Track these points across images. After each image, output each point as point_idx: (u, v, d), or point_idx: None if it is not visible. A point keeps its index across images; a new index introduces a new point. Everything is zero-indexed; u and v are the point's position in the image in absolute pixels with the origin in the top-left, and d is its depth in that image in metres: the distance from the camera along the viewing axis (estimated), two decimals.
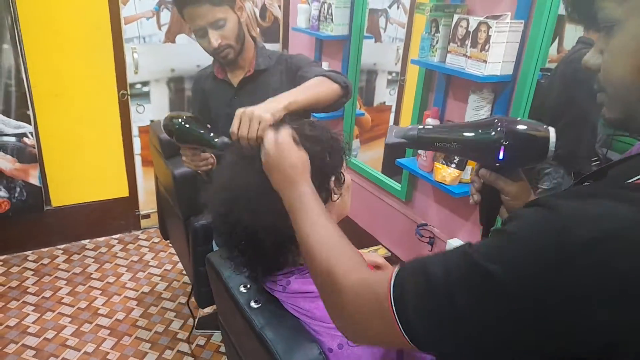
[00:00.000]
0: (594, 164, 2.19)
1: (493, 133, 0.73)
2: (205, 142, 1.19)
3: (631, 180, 0.48)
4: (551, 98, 2.13)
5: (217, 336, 2.18)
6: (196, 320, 2.19)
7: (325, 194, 0.92)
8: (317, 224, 0.73)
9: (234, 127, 0.95)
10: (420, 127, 0.80)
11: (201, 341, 2.14)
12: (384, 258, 1.31)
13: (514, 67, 1.57)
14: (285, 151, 0.82)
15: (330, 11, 2.28)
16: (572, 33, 2.25)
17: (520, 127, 0.74)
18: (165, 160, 1.84)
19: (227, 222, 0.91)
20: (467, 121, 0.78)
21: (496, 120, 0.74)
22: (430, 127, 0.81)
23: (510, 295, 0.44)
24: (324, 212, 0.76)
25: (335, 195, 0.95)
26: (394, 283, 0.54)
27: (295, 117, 1.03)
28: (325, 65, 2.46)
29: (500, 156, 0.73)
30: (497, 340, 0.47)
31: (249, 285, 1.03)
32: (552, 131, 0.72)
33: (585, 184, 0.61)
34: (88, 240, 2.84)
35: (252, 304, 0.98)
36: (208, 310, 2.24)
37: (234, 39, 1.40)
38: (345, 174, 0.98)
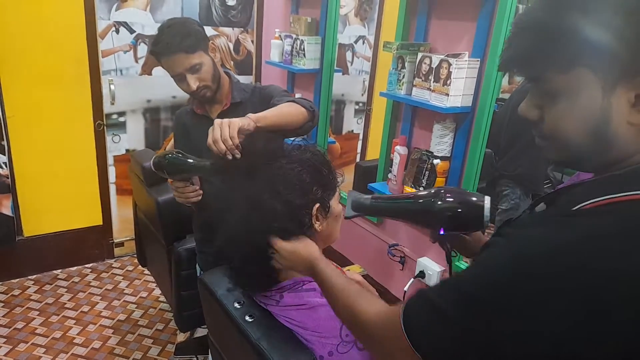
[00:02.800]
0: (546, 186, 2.39)
1: (432, 216, 0.83)
2: (199, 167, 1.30)
3: (576, 208, 0.57)
4: (506, 125, 2.33)
5: None
6: (175, 346, 2.22)
7: (306, 218, 1.00)
8: (337, 285, 0.87)
9: (209, 137, 1.12)
10: (373, 199, 0.93)
11: None
12: (362, 276, 1.42)
13: (473, 99, 1.74)
14: (291, 254, 0.95)
15: (302, 47, 2.43)
16: None
17: (457, 205, 0.82)
18: (148, 188, 1.91)
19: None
20: (413, 194, 0.90)
21: (437, 198, 0.83)
22: (380, 200, 0.93)
23: (476, 312, 0.57)
24: (338, 275, 0.89)
25: (317, 223, 1.02)
26: (404, 311, 0.66)
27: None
28: (297, 97, 2.60)
29: (441, 232, 0.86)
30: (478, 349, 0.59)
31: (242, 302, 1.11)
32: (486, 202, 0.80)
33: (540, 205, 0.72)
34: (60, 270, 2.81)
35: (247, 318, 1.06)
36: (181, 338, 2.27)
37: (210, 80, 1.50)
38: (336, 204, 1.08)
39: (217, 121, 1.14)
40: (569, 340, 0.52)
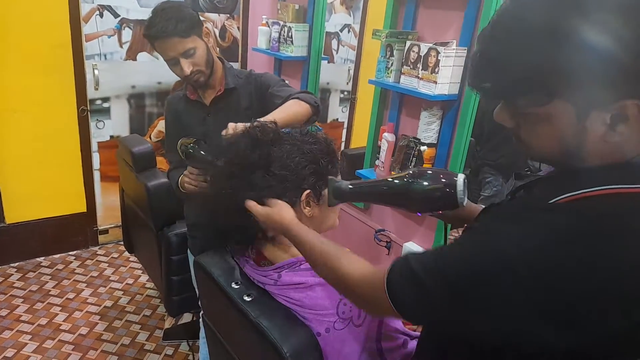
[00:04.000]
0: (525, 171, 2.47)
1: (407, 199, 0.85)
2: (203, 163, 1.36)
3: (553, 201, 0.61)
4: (488, 114, 2.39)
5: (184, 346, 2.22)
6: (163, 331, 2.23)
7: (295, 201, 1.03)
8: (314, 248, 0.91)
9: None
10: (351, 186, 0.94)
11: (169, 351, 2.18)
12: None
13: (460, 87, 1.79)
14: (268, 219, 0.99)
15: (290, 34, 2.43)
16: None
17: (430, 185, 0.83)
18: (137, 173, 1.90)
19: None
20: (390, 178, 0.89)
21: (412, 179, 0.85)
22: (358, 187, 0.94)
23: (459, 294, 0.63)
24: (316, 236, 0.93)
25: (307, 209, 1.05)
26: (388, 275, 0.72)
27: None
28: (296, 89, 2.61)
29: (419, 214, 0.89)
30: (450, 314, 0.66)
31: (240, 282, 1.14)
32: (459, 184, 0.81)
33: (520, 192, 0.76)
34: (43, 258, 2.78)
35: (246, 298, 1.08)
36: (167, 324, 2.28)
37: (204, 65, 1.50)
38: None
39: (230, 125, 1.17)
40: (535, 335, 0.58)
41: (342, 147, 3.44)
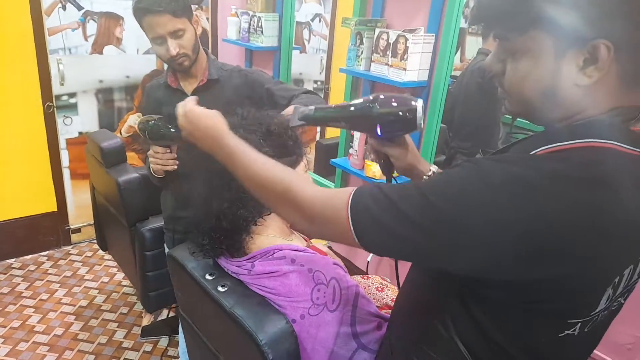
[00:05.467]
0: None
1: (370, 114, 0.87)
2: (177, 136, 1.32)
3: (533, 152, 0.63)
4: (461, 104, 2.43)
5: (163, 341, 2.20)
6: (141, 328, 2.21)
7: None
8: (257, 159, 0.82)
9: None
10: (317, 109, 0.94)
11: (148, 347, 2.16)
12: (327, 247, 1.47)
13: (429, 74, 1.81)
14: (195, 118, 0.91)
15: (260, 24, 2.41)
16: (473, 44, 2.58)
17: (392, 106, 0.87)
18: (107, 169, 1.87)
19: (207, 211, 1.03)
20: (355, 101, 0.91)
21: (374, 103, 0.87)
22: (325, 108, 0.95)
23: (441, 220, 0.61)
24: (256, 151, 0.84)
25: None
26: (353, 197, 0.69)
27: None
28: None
29: (379, 132, 0.89)
30: (426, 249, 0.64)
31: (214, 273, 1.14)
32: (419, 104, 0.85)
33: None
34: (14, 259, 2.71)
35: (220, 288, 1.08)
36: (145, 322, 2.25)
37: (190, 49, 1.48)
38: (302, 170, 1.09)
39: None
40: (506, 265, 0.60)
41: (317, 138, 3.44)
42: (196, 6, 2.88)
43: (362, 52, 1.91)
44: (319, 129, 3.48)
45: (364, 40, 1.89)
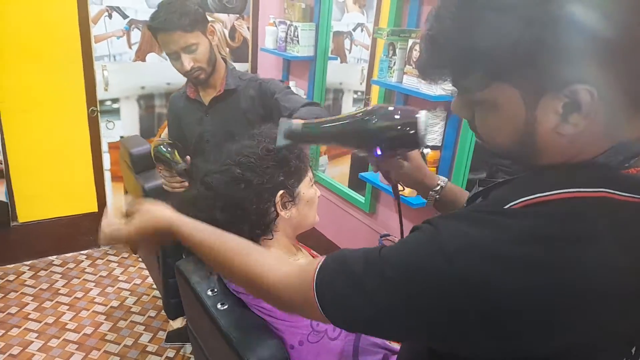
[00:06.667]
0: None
1: (366, 129, 0.77)
2: (169, 165, 1.42)
3: (507, 206, 0.53)
4: None
5: (186, 348, 2.21)
6: (166, 333, 2.22)
7: (269, 206, 0.98)
8: (213, 248, 0.77)
9: None
10: (304, 125, 0.84)
11: (170, 353, 2.17)
12: None
13: None
14: (146, 224, 0.82)
15: (296, 33, 2.40)
16: None
17: (391, 119, 0.76)
18: (136, 174, 1.90)
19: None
20: (347, 115, 0.80)
21: (370, 115, 0.77)
22: (314, 122, 0.85)
23: (394, 292, 0.55)
24: (211, 229, 0.80)
25: (284, 211, 1.01)
26: (317, 274, 0.63)
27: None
28: (292, 85, 2.58)
29: (378, 153, 0.80)
30: (389, 323, 0.58)
31: (216, 290, 1.11)
32: (421, 117, 0.74)
33: (478, 199, 0.69)
34: (55, 257, 2.83)
35: (219, 306, 1.05)
36: (177, 324, 2.27)
37: (205, 62, 1.49)
38: (306, 189, 1.05)
39: None
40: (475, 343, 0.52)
41: None
42: (237, 15, 2.91)
43: (394, 63, 1.83)
44: None
45: (397, 51, 1.82)
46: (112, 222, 0.84)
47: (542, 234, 0.49)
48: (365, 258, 0.60)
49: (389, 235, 2.18)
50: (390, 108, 0.78)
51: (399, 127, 0.76)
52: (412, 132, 0.75)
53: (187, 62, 1.45)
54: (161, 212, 0.83)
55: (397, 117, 0.77)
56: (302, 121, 0.86)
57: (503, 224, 0.51)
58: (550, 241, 0.48)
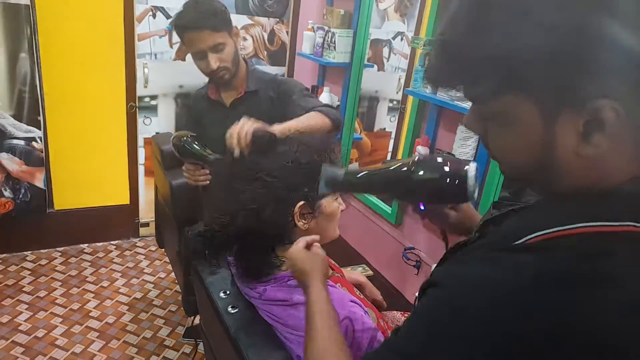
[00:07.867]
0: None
1: (409, 181, 0.72)
2: (201, 157, 1.35)
3: (521, 241, 0.49)
4: None
5: (202, 346, 2.22)
6: (184, 328, 2.24)
7: (287, 214, 0.97)
8: (323, 329, 0.80)
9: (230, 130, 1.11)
10: (346, 175, 0.81)
11: (187, 349, 2.19)
12: (366, 277, 1.37)
13: None
14: (298, 261, 0.89)
15: (333, 39, 2.39)
16: None
17: (437, 170, 0.71)
18: (165, 171, 1.93)
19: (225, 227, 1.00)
20: (390, 164, 0.75)
21: (415, 166, 0.72)
22: (355, 172, 0.81)
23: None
24: (331, 313, 0.82)
25: (301, 222, 0.99)
26: None
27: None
28: (326, 90, 2.56)
29: (422, 207, 0.76)
30: None
31: (228, 292, 1.10)
32: (470, 170, 0.68)
33: (489, 227, 0.65)
34: (87, 245, 2.91)
35: (230, 309, 1.04)
36: (197, 320, 2.29)
37: (230, 62, 1.49)
38: (329, 203, 1.02)
39: (244, 119, 1.14)
40: None
41: (388, 158, 3.33)
42: (277, 19, 2.93)
43: None
44: (390, 146, 3.38)
45: None
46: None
47: (563, 275, 0.45)
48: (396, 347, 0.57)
49: (413, 248, 2.13)
50: (439, 159, 0.73)
51: (445, 181, 0.70)
52: (459, 185, 0.69)
53: (214, 61, 1.46)
54: (318, 264, 0.89)
55: (444, 169, 0.71)
56: (344, 171, 0.82)
57: (513, 263, 0.47)
58: (572, 284, 0.44)
